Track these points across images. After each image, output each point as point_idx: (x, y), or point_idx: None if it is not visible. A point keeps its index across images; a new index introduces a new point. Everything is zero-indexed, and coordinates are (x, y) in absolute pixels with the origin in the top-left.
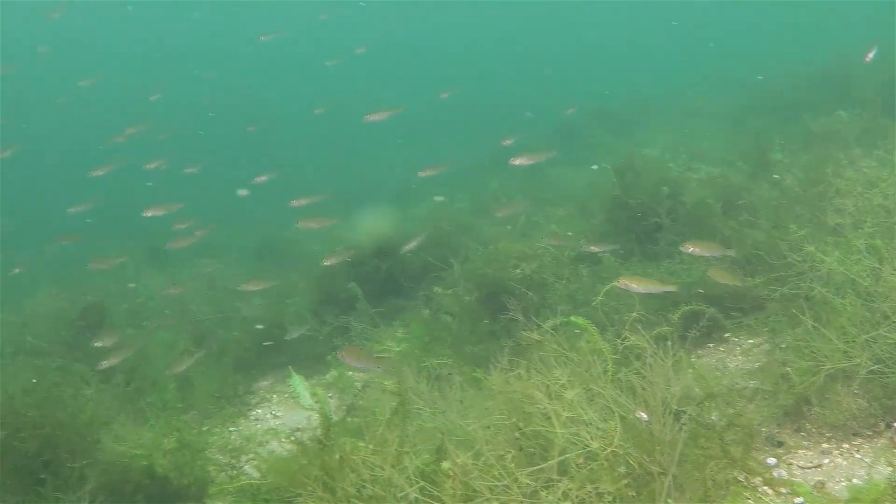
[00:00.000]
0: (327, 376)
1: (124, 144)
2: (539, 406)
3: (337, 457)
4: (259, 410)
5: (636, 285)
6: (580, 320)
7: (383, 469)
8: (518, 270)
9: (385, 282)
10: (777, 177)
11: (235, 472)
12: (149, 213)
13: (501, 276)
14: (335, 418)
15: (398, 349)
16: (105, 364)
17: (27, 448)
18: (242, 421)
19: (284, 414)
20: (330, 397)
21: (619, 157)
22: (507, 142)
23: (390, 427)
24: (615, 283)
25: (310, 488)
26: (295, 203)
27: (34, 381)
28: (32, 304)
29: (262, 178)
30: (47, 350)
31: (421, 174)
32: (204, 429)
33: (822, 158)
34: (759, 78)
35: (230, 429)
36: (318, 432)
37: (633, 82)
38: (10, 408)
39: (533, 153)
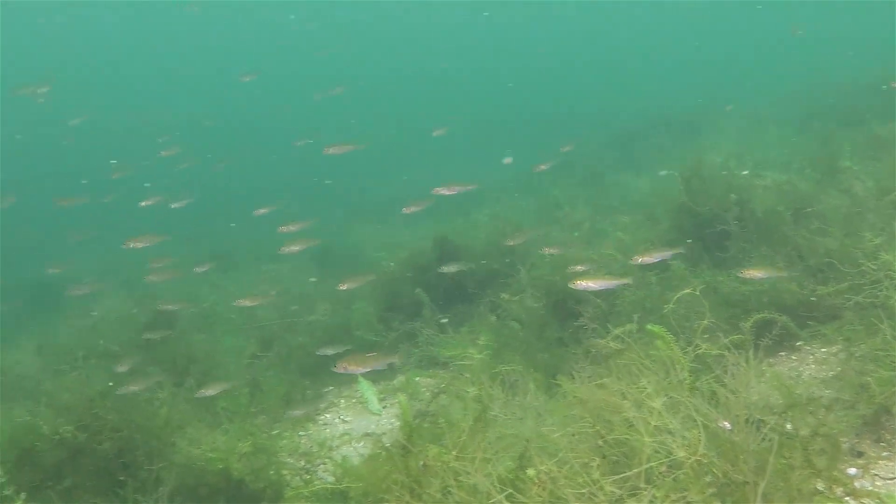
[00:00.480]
0: (394, 381)
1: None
2: (624, 414)
3: (421, 462)
4: (328, 415)
5: (593, 284)
6: (657, 328)
7: (469, 475)
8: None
9: (451, 288)
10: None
11: (310, 476)
12: (130, 245)
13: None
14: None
15: (479, 356)
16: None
17: (106, 450)
18: (311, 425)
19: (353, 419)
20: (397, 402)
21: (682, 163)
22: (567, 148)
23: (473, 433)
24: (570, 286)
25: (396, 493)
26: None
27: (110, 384)
28: (100, 308)
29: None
30: (120, 354)
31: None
32: (274, 433)
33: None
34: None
35: (300, 433)
36: (400, 437)
37: (693, 89)
38: (90, 410)
39: (455, 184)
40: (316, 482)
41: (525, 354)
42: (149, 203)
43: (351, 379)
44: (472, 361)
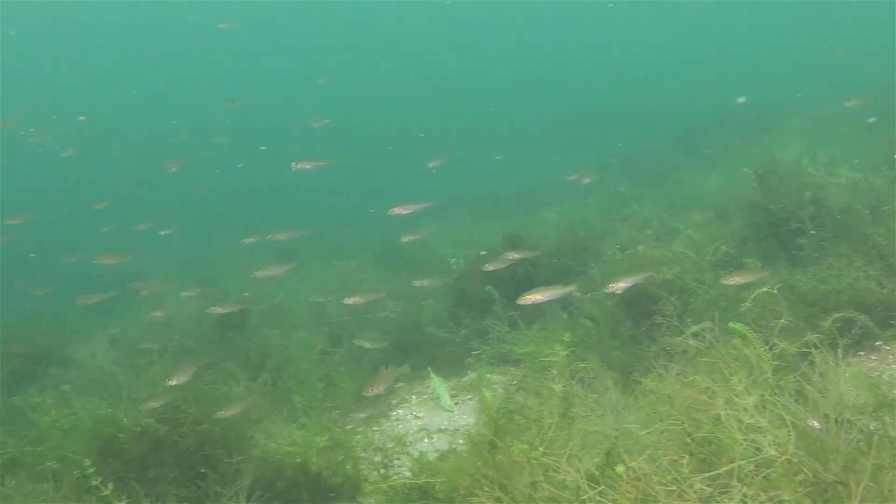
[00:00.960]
0: (465, 378)
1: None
2: (713, 412)
3: (508, 458)
4: (399, 411)
5: (539, 297)
6: (740, 326)
7: (557, 471)
8: (659, 275)
9: (521, 285)
10: None
11: (386, 470)
12: (99, 261)
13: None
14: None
15: (564, 353)
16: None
17: (187, 443)
18: (384, 421)
19: (425, 415)
20: (469, 399)
21: (751, 161)
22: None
23: (559, 429)
24: (518, 302)
25: (487, 488)
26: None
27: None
28: (172, 304)
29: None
30: (195, 348)
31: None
32: (348, 427)
33: None
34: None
35: (373, 428)
36: (486, 432)
37: (757, 87)
38: (170, 403)
39: (410, 203)
40: (394, 477)
41: (599, 352)
42: (142, 227)
43: (422, 375)
44: (556, 358)
